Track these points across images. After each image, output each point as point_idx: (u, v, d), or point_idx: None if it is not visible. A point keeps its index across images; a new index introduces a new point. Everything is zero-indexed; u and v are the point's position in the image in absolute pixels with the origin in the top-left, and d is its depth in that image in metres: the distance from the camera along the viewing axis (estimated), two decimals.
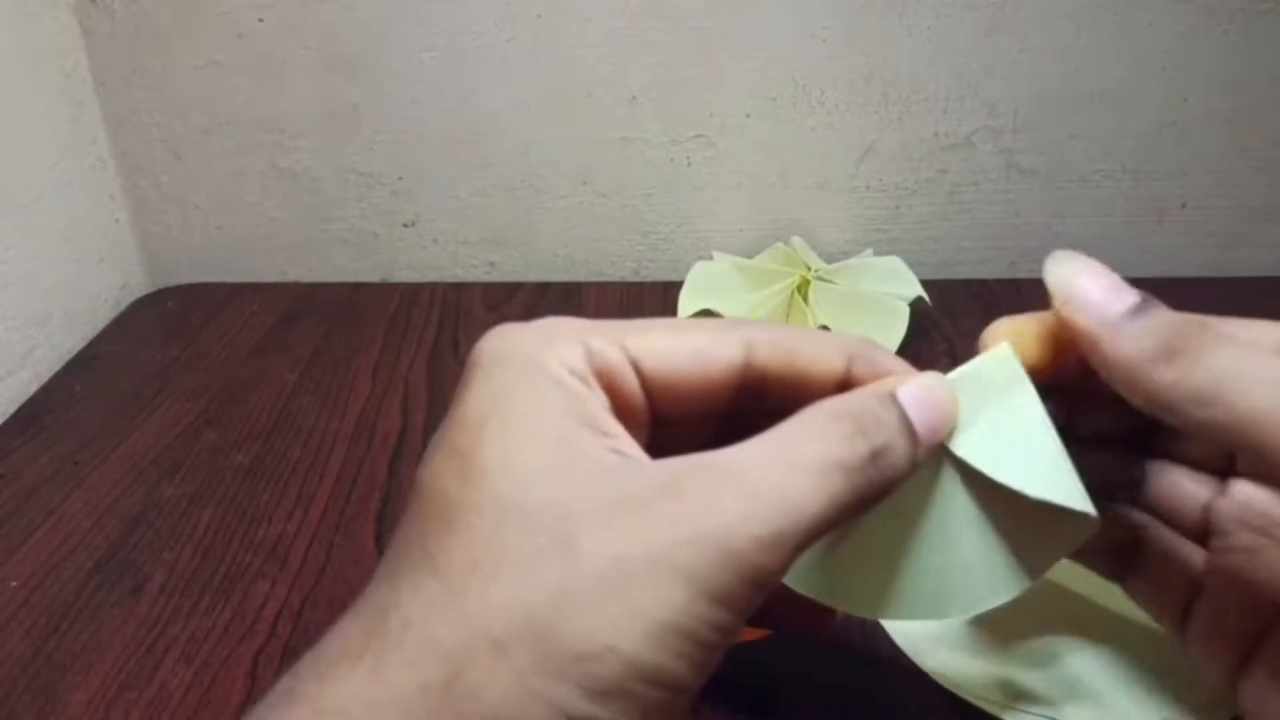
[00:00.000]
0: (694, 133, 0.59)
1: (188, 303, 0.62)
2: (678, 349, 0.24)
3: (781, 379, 0.25)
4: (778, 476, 0.21)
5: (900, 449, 0.23)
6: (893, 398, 0.24)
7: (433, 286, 0.62)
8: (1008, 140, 0.59)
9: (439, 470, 0.22)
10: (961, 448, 0.25)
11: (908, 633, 0.34)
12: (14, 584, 0.39)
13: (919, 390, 0.24)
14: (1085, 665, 0.32)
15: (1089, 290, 0.24)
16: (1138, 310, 0.24)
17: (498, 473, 0.21)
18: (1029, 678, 0.32)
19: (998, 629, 0.34)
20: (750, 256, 0.59)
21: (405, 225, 0.63)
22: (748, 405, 0.25)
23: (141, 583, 0.38)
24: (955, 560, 0.26)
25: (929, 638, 0.33)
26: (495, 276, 0.64)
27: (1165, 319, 0.24)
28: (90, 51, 0.58)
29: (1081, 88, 0.57)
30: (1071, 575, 0.35)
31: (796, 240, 0.59)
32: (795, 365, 0.25)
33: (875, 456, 0.22)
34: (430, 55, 0.58)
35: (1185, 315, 0.24)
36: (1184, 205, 0.60)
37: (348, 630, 0.21)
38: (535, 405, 0.22)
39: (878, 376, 0.25)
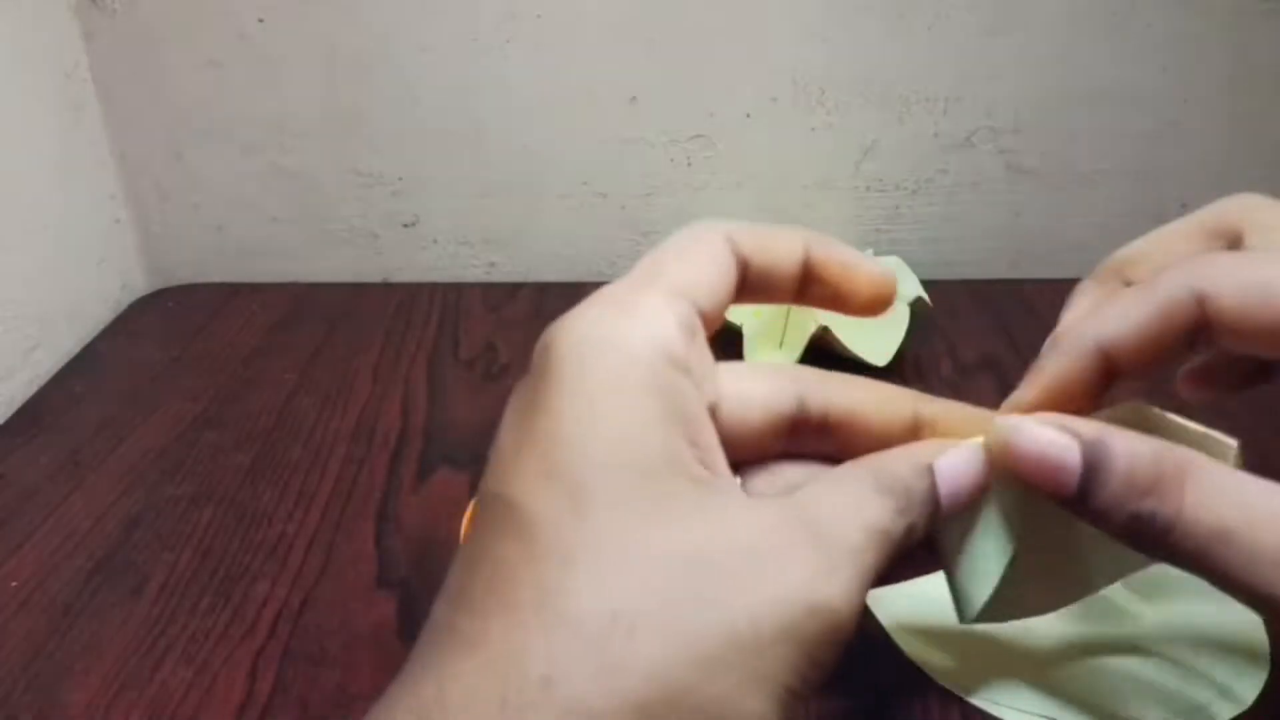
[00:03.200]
0: (694, 133, 0.59)
1: (188, 303, 0.62)
2: (704, 269, 0.24)
3: (758, 265, 0.25)
4: (845, 538, 0.21)
5: (924, 519, 0.23)
6: (929, 470, 0.23)
7: (433, 286, 0.62)
8: (1008, 140, 0.59)
9: (535, 490, 0.20)
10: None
11: (909, 634, 0.34)
12: (14, 584, 0.38)
13: (955, 462, 0.24)
14: (1085, 667, 0.32)
15: (1033, 465, 0.23)
16: (1097, 470, 0.22)
17: (611, 505, 0.20)
18: (1029, 679, 0.32)
19: (1000, 632, 0.34)
20: None
21: (405, 225, 0.63)
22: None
23: (141, 583, 0.38)
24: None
25: (931, 640, 0.33)
26: (495, 276, 0.64)
27: (1123, 474, 0.22)
28: (90, 52, 0.58)
29: (1081, 88, 0.57)
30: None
31: None
32: (768, 249, 0.25)
33: (910, 529, 0.22)
34: (430, 55, 0.58)
35: (1148, 456, 0.22)
36: (1184, 205, 0.60)
37: (469, 674, 0.19)
38: (633, 415, 0.20)
39: (831, 260, 0.25)
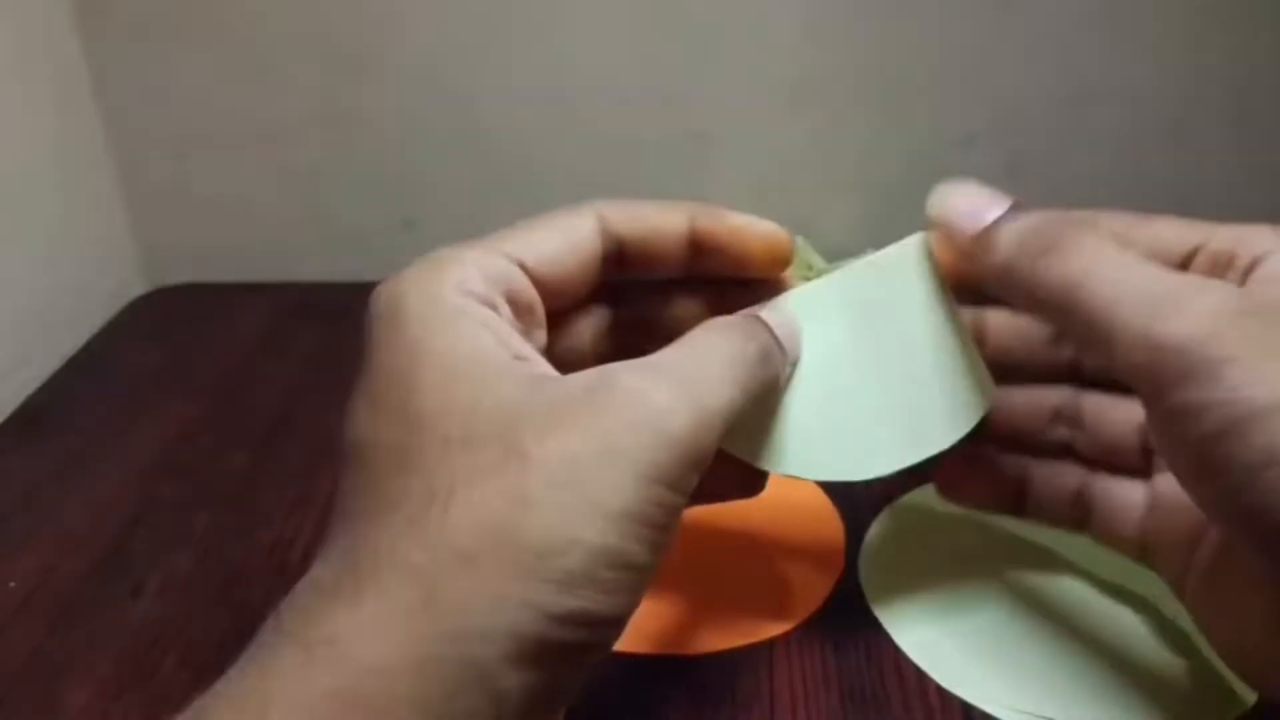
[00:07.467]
0: (694, 132, 0.59)
1: (187, 302, 0.62)
2: (548, 236, 0.27)
3: (636, 240, 0.28)
4: (696, 369, 0.24)
5: (776, 354, 0.27)
6: (760, 320, 0.27)
7: None
8: (1009, 140, 0.59)
9: (373, 424, 0.23)
10: (866, 331, 0.29)
11: (911, 635, 0.34)
12: (12, 584, 0.38)
13: (778, 316, 0.28)
14: (1085, 668, 0.32)
15: (959, 206, 0.28)
16: (1007, 216, 0.27)
17: (437, 414, 0.22)
18: (1029, 679, 0.32)
19: (998, 632, 0.34)
20: None
21: (405, 225, 0.63)
22: (613, 280, 0.28)
23: (140, 584, 0.38)
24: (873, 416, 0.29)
25: (931, 640, 0.33)
26: None
27: (1033, 219, 0.26)
28: (89, 50, 0.58)
29: (1084, 88, 0.57)
30: (1073, 577, 0.35)
31: (798, 239, 0.59)
32: (645, 223, 0.28)
33: (763, 354, 0.26)
34: (430, 55, 0.58)
35: (1055, 212, 0.26)
36: (1189, 206, 0.60)
37: (319, 576, 0.21)
38: (452, 344, 0.23)
39: (720, 227, 0.29)
